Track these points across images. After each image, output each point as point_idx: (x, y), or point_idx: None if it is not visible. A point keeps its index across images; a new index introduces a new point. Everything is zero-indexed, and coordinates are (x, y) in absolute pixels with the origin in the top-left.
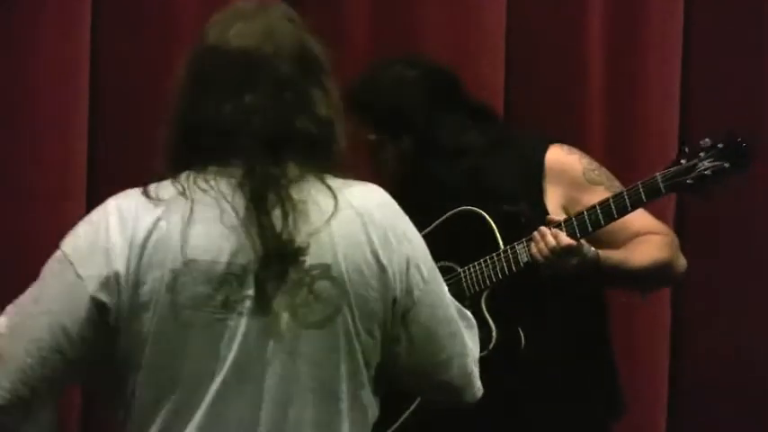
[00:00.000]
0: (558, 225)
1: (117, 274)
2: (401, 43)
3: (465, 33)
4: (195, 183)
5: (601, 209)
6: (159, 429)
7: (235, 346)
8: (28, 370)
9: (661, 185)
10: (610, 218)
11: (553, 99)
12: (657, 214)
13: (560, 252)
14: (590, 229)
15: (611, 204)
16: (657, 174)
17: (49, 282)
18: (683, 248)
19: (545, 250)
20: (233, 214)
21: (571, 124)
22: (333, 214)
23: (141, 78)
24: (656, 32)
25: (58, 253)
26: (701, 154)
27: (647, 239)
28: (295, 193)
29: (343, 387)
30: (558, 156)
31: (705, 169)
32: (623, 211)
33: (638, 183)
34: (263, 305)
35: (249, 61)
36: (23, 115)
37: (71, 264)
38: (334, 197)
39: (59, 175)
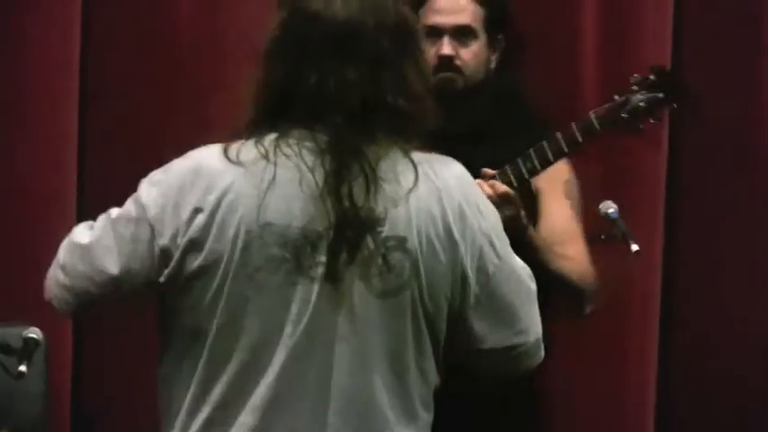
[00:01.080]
0: (492, 176)
1: (188, 229)
2: None
3: None
4: (278, 146)
5: (535, 152)
6: (227, 385)
7: (307, 311)
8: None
9: (595, 122)
10: (545, 161)
11: (545, 91)
12: (647, 216)
13: (496, 199)
14: (526, 175)
15: (546, 147)
16: (591, 112)
17: (124, 224)
18: (676, 248)
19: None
20: (313, 181)
21: (564, 116)
22: (412, 188)
23: (132, 76)
24: (648, 24)
25: (137, 197)
26: (634, 88)
27: (574, 254)
28: (377, 165)
29: (410, 356)
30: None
31: (639, 101)
32: (559, 154)
33: (572, 123)
34: (335, 272)
35: (352, 34)
36: (13, 116)
37: (145, 209)
38: (415, 171)
39: (49, 175)
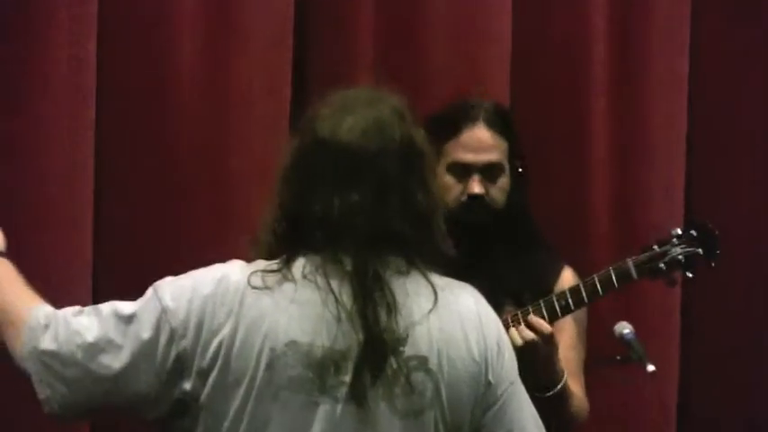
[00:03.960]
0: (526, 311)
1: (210, 344)
2: (406, 48)
3: (471, 39)
4: (303, 270)
5: (570, 292)
6: None
7: (330, 431)
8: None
9: (633, 270)
10: (580, 302)
11: (558, 103)
12: (664, 221)
13: (536, 338)
14: (559, 313)
15: (581, 289)
16: (629, 259)
17: (142, 317)
18: None
19: (526, 332)
20: (336, 302)
21: (575, 127)
22: (432, 309)
23: (144, 83)
24: (661, 32)
25: (153, 296)
26: (674, 240)
27: (576, 389)
28: (398, 287)
29: None
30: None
31: (678, 254)
32: (593, 296)
33: (609, 267)
34: (359, 392)
35: (357, 158)
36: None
37: (167, 312)
38: (435, 293)
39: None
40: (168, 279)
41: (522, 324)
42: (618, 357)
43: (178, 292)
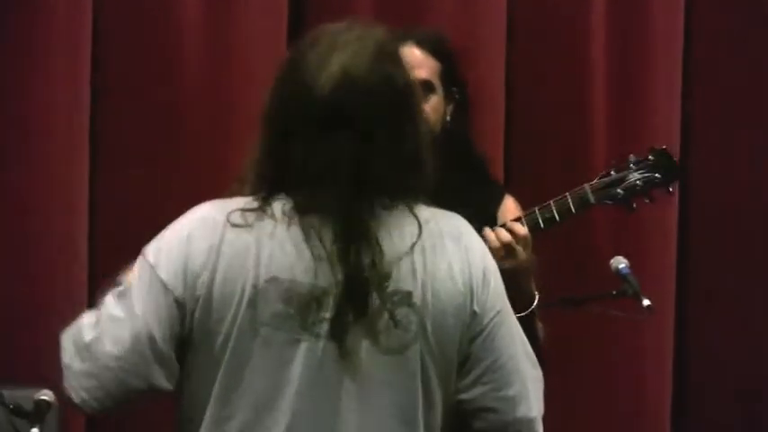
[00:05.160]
0: (518, 219)
1: (197, 282)
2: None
3: (466, 33)
4: (283, 208)
5: (526, 219)
6: None
7: (312, 368)
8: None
9: (590, 196)
10: (535, 228)
11: (555, 98)
12: (659, 216)
13: (516, 243)
14: (541, 225)
15: (537, 214)
16: (586, 185)
17: (135, 285)
18: (688, 249)
19: (503, 232)
20: (318, 240)
21: (573, 122)
22: (416, 243)
23: (142, 77)
24: (658, 29)
25: (141, 259)
26: (632, 166)
27: None
28: (382, 224)
29: (420, 413)
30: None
31: (636, 180)
32: (550, 222)
33: (567, 193)
34: (341, 329)
35: (339, 106)
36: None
37: (153, 268)
38: (419, 227)
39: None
40: (155, 238)
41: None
42: (613, 292)
43: (161, 245)
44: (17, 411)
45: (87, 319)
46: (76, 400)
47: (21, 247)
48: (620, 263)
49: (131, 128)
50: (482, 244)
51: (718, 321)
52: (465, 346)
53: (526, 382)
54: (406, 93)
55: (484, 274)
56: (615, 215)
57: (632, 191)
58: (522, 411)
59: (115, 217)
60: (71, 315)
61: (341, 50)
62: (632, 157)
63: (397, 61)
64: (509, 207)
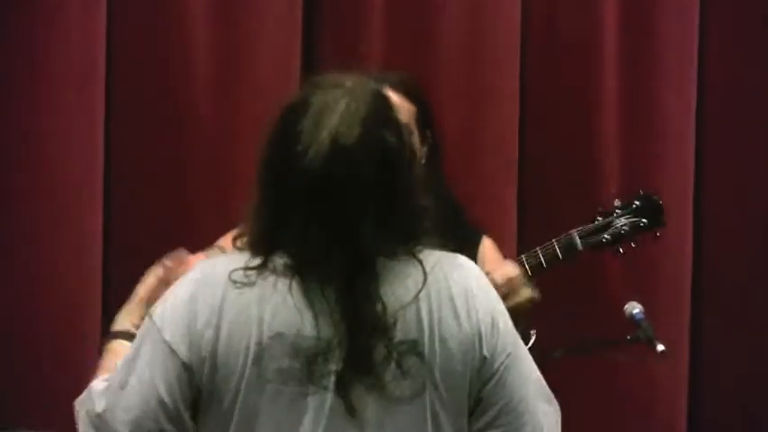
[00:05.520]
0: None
1: (201, 342)
2: (416, 47)
3: (480, 37)
4: (285, 263)
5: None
6: None
7: (321, 422)
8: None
9: (578, 242)
10: (523, 275)
11: (568, 101)
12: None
13: (523, 281)
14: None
15: (524, 262)
16: (574, 231)
17: (142, 349)
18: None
19: None
20: (321, 295)
21: (586, 126)
22: (421, 290)
23: (155, 83)
24: (671, 31)
25: (148, 321)
26: (617, 211)
27: None
28: (386, 273)
29: None
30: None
31: (622, 225)
32: (537, 269)
33: (554, 240)
34: (347, 381)
35: (330, 177)
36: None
37: (159, 331)
38: (424, 273)
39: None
40: (160, 300)
41: None
42: (627, 337)
43: (166, 308)
44: None
45: (98, 385)
46: None
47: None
48: (635, 308)
49: (143, 137)
50: (487, 286)
51: (732, 360)
52: (476, 391)
53: (540, 421)
54: (397, 151)
55: (492, 318)
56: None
57: (618, 236)
58: None
59: (129, 225)
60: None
61: (330, 116)
62: (618, 203)
63: (388, 117)
64: (487, 248)
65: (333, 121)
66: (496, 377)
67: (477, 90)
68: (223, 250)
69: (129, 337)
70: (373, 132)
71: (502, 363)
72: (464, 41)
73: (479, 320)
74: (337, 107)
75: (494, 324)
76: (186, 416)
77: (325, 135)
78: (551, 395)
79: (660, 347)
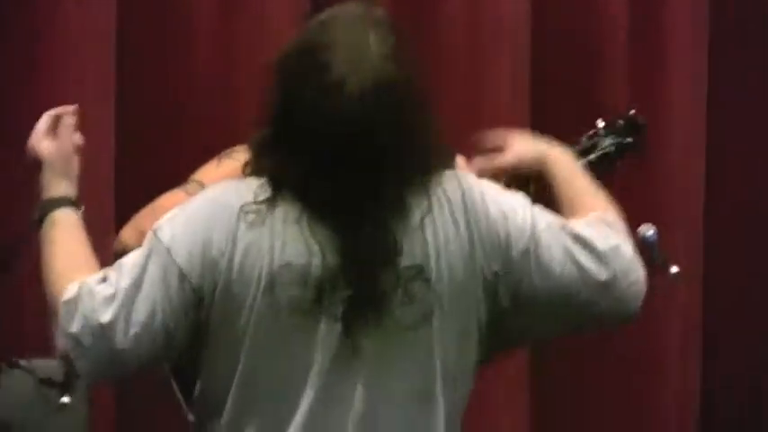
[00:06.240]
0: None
1: (215, 269)
2: (423, 42)
3: (488, 32)
4: (294, 195)
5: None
6: (258, 430)
7: (331, 348)
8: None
9: None
10: None
11: (578, 96)
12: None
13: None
14: None
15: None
16: None
17: (149, 268)
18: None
19: None
20: (329, 222)
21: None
22: (425, 215)
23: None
24: (680, 28)
25: (154, 240)
26: (602, 131)
27: None
28: (391, 198)
29: (438, 388)
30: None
31: (608, 145)
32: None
33: None
34: (357, 308)
35: (343, 137)
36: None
37: (169, 252)
38: (428, 197)
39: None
40: (166, 217)
41: None
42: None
43: (176, 227)
44: (47, 382)
45: (101, 288)
46: (79, 371)
47: None
48: (648, 230)
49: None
50: (486, 189)
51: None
52: (491, 307)
53: (583, 271)
54: (410, 91)
55: (498, 230)
56: None
57: (605, 157)
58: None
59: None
60: None
61: (365, 50)
62: (601, 123)
63: (401, 62)
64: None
65: (369, 55)
66: (524, 283)
67: (479, 79)
68: (201, 185)
69: (71, 203)
70: (407, 66)
71: (527, 263)
72: (465, 32)
73: (481, 228)
74: (367, 39)
75: (500, 235)
76: (181, 342)
77: (366, 67)
78: (585, 237)
79: (674, 269)
